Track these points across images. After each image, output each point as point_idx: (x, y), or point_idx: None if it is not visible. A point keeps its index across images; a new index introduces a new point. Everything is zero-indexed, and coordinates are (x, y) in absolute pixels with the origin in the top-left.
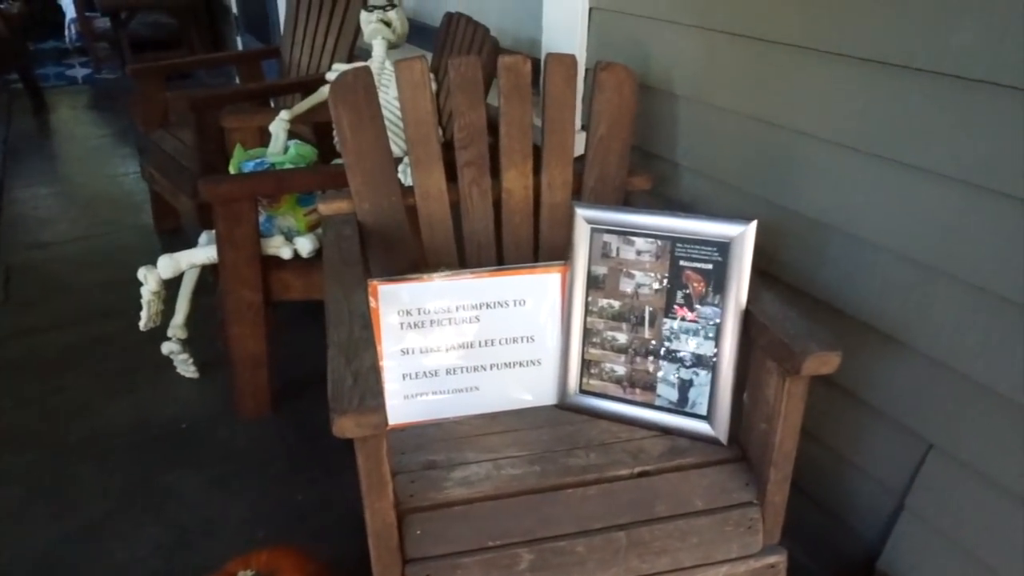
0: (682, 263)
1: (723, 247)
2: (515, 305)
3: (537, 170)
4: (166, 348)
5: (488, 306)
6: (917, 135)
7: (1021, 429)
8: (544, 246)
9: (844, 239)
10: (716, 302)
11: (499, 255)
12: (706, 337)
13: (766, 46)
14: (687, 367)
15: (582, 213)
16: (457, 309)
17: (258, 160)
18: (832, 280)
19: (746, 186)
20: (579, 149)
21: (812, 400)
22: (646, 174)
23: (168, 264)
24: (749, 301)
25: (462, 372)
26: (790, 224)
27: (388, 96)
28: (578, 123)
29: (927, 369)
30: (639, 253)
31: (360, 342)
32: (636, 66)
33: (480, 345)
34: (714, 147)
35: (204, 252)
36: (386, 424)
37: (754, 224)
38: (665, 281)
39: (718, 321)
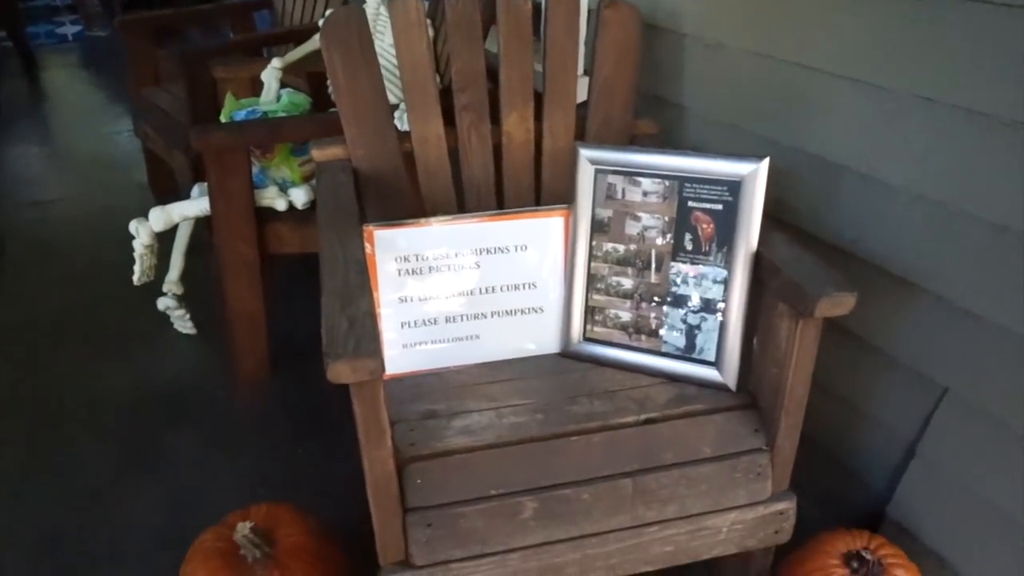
0: (690, 204)
1: (734, 187)
2: (516, 251)
3: (539, 116)
4: (162, 304)
5: (488, 252)
6: (931, 65)
7: None
8: (546, 194)
9: (857, 180)
10: (726, 244)
11: (500, 203)
12: (715, 281)
13: None
14: (694, 312)
15: (585, 153)
16: (456, 255)
17: (250, 109)
18: (845, 223)
19: (756, 128)
20: (582, 96)
21: (823, 348)
22: (652, 118)
23: (160, 216)
24: (760, 244)
25: (462, 320)
26: (802, 166)
27: (384, 43)
28: (581, 68)
29: (942, 312)
30: (645, 195)
31: (356, 288)
32: (641, 4)
33: (480, 292)
34: (722, 88)
35: (197, 204)
36: (383, 370)
37: (767, 162)
38: (673, 223)
39: (727, 264)
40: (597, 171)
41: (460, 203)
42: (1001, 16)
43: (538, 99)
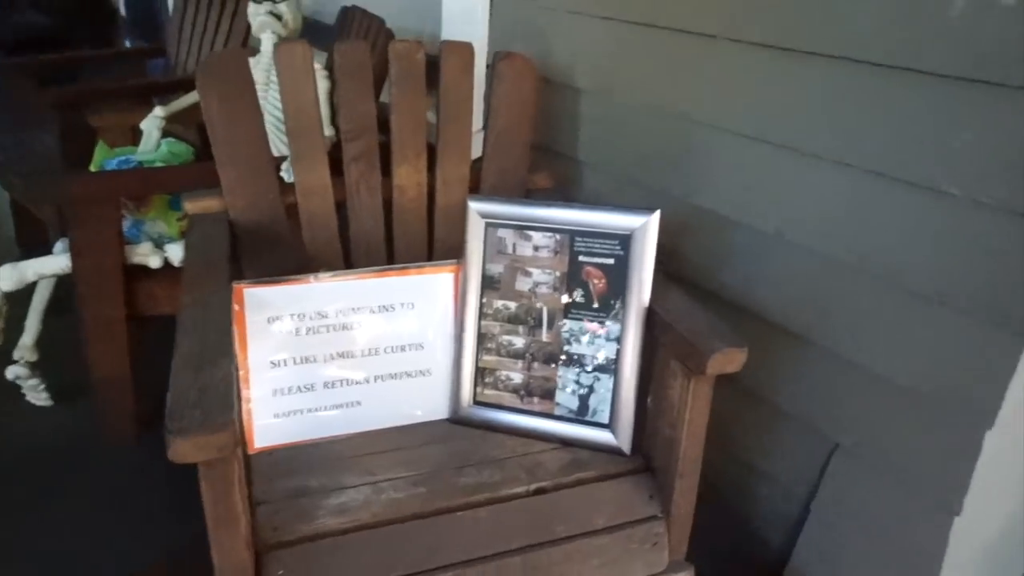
0: (582, 258)
1: (624, 240)
2: (403, 309)
3: (432, 168)
4: (11, 373)
5: (372, 310)
6: (819, 123)
7: (923, 420)
8: (440, 249)
9: (749, 233)
10: (618, 300)
11: (390, 258)
12: (608, 339)
13: (669, 35)
14: (588, 372)
15: (475, 207)
16: (337, 314)
17: (123, 158)
18: (737, 277)
19: (650, 181)
20: (479, 151)
21: (717, 404)
22: (547, 172)
23: (10, 275)
24: (653, 299)
25: (343, 385)
26: (695, 220)
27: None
28: (479, 123)
29: (832, 365)
30: (536, 249)
31: (213, 351)
32: (538, 58)
33: (363, 355)
34: (617, 142)
35: (56, 261)
36: (236, 444)
37: (657, 215)
38: (565, 278)
39: (620, 320)
40: (488, 224)
41: (348, 258)
42: (885, 79)
43: (432, 150)
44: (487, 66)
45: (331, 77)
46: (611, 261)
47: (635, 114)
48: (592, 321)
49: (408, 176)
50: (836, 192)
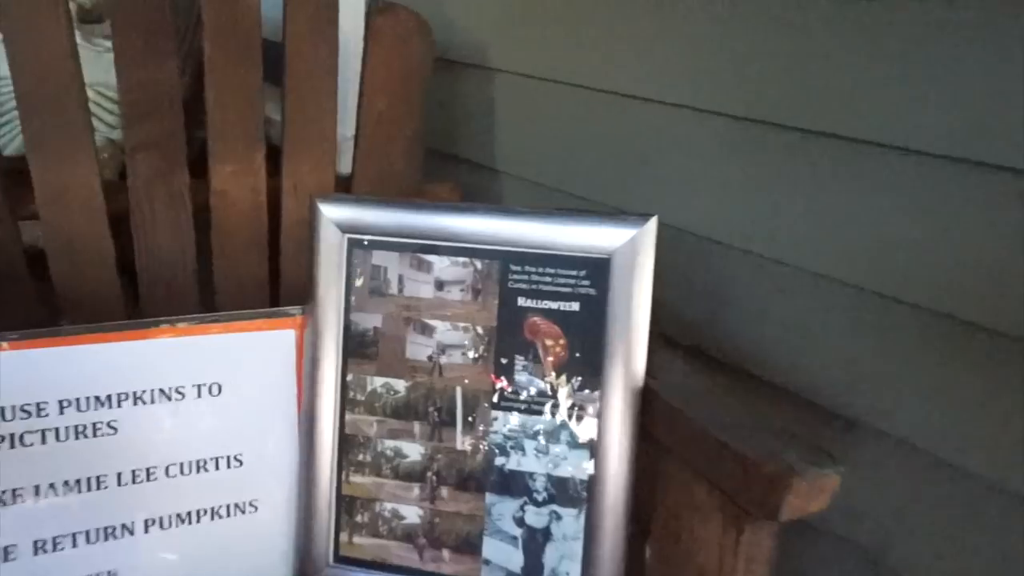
0: (522, 303)
1: (598, 269)
2: (198, 397)
3: (277, 168)
4: None
5: (140, 399)
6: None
7: None
8: (289, 292)
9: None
10: (588, 375)
11: (207, 306)
12: (572, 445)
13: None
14: (539, 504)
15: (329, 212)
16: (67, 408)
17: None
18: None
19: (593, 194)
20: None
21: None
22: (453, 182)
23: None
24: (652, 373)
25: (83, 543)
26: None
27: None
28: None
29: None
30: (441, 286)
31: None
32: (434, 22)
33: (124, 482)
34: (546, 138)
35: None
36: None
37: (653, 224)
38: (492, 339)
39: (594, 412)
40: (352, 243)
41: (133, 303)
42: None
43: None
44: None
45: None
46: (574, 306)
47: (571, 98)
48: (543, 414)
49: (234, 179)
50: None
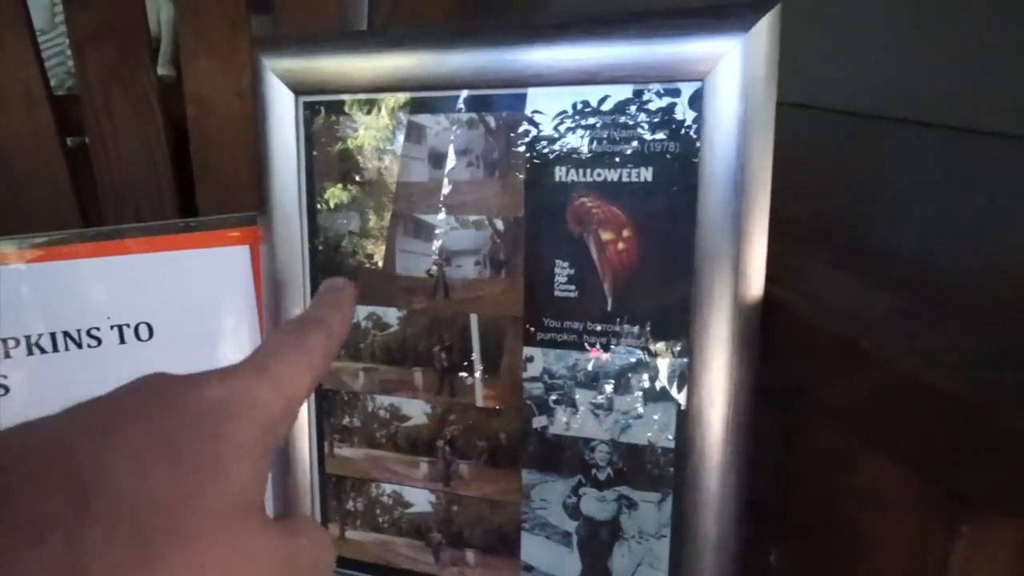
0: (560, 175)
1: (681, 108)
2: (120, 342)
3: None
4: None
5: (31, 346)
6: None
7: None
8: None
9: None
10: (672, 285)
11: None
12: (652, 396)
13: None
14: (601, 485)
15: (272, 64)
16: None
17: None
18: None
19: None
20: None
21: None
22: None
23: None
24: (773, 274)
25: None
26: None
27: None
28: None
29: None
30: (439, 161)
31: None
32: None
33: None
34: None
35: None
36: None
37: (773, 17)
38: (518, 237)
39: (686, 343)
40: (307, 107)
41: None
42: None
43: None
44: None
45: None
46: (644, 175)
47: None
48: (603, 349)
49: (212, 78)
50: None
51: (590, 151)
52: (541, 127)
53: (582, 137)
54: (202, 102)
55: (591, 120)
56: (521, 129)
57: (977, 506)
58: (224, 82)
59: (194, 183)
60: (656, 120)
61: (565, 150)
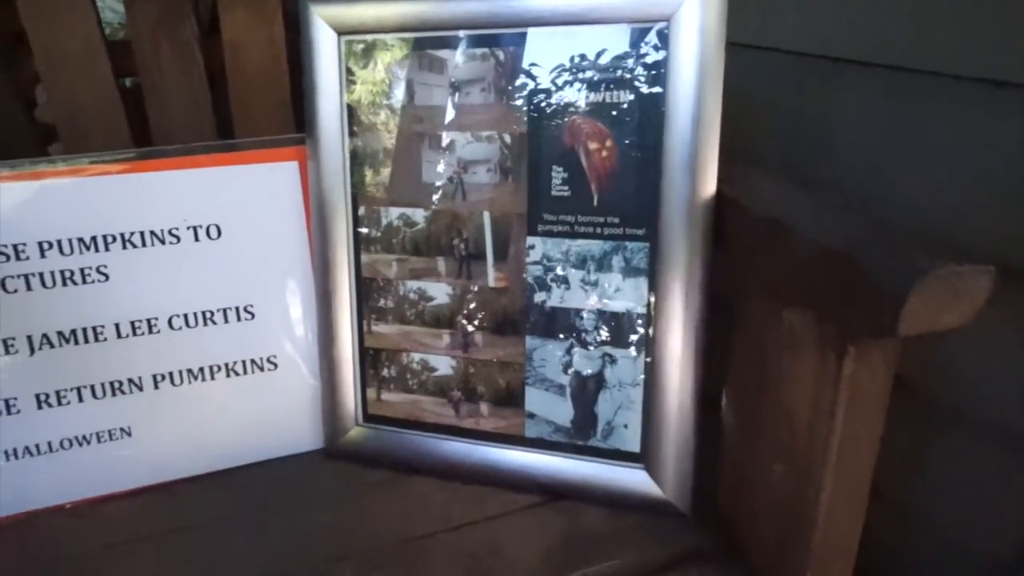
0: (556, 98)
1: (652, 44)
2: (195, 240)
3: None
4: None
5: (124, 242)
6: None
7: None
8: None
9: None
10: (644, 185)
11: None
12: (628, 272)
13: None
14: (590, 346)
15: (320, 10)
16: (45, 251)
17: None
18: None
19: None
20: None
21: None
22: None
23: None
24: (724, 178)
25: (79, 398)
26: None
27: None
28: None
29: None
30: (458, 89)
31: None
32: None
33: (119, 334)
34: None
35: None
36: None
37: None
38: (523, 149)
39: (653, 233)
40: (349, 43)
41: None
42: None
43: None
44: None
45: None
46: (624, 98)
47: None
48: (590, 236)
49: (248, 28)
50: None
51: (579, 79)
52: (538, 60)
53: (572, 68)
54: (238, 48)
55: (577, 56)
56: (522, 62)
57: (858, 334)
58: (258, 30)
59: (232, 121)
60: (632, 53)
61: (557, 78)
